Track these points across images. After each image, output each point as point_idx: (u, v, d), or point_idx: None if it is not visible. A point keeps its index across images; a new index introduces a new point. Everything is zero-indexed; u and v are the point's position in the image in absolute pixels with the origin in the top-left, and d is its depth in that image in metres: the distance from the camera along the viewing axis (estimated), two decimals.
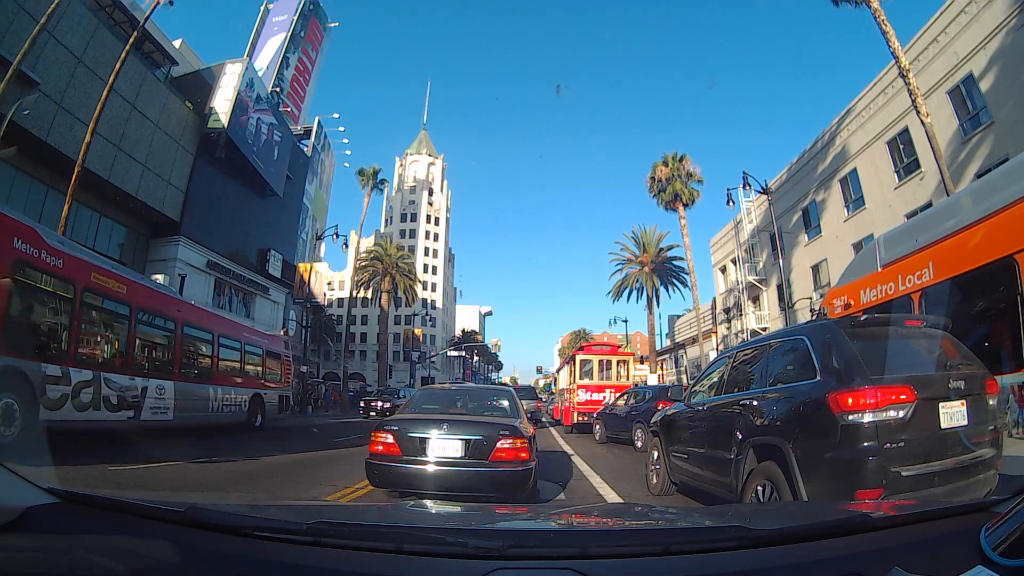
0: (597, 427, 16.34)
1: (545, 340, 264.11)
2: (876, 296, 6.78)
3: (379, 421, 6.39)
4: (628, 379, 19.79)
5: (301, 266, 33.41)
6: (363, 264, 43.44)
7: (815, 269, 26.28)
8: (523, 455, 5.64)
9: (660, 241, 38.96)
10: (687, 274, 38.02)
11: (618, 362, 19.83)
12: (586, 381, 19.04)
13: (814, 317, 8.00)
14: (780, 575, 1.34)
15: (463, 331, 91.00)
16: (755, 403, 4.85)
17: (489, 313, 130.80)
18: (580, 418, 18.42)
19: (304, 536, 1.42)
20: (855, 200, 24.05)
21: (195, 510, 1.56)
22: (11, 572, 1.28)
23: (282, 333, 23.29)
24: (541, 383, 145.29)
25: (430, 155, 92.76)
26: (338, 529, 1.50)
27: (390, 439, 5.76)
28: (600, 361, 19.52)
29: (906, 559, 1.23)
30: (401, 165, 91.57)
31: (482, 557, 1.34)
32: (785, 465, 4.07)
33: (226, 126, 31.13)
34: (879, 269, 7.04)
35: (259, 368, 18.17)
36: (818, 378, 4.14)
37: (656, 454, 7.13)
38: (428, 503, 4.12)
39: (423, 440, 5.64)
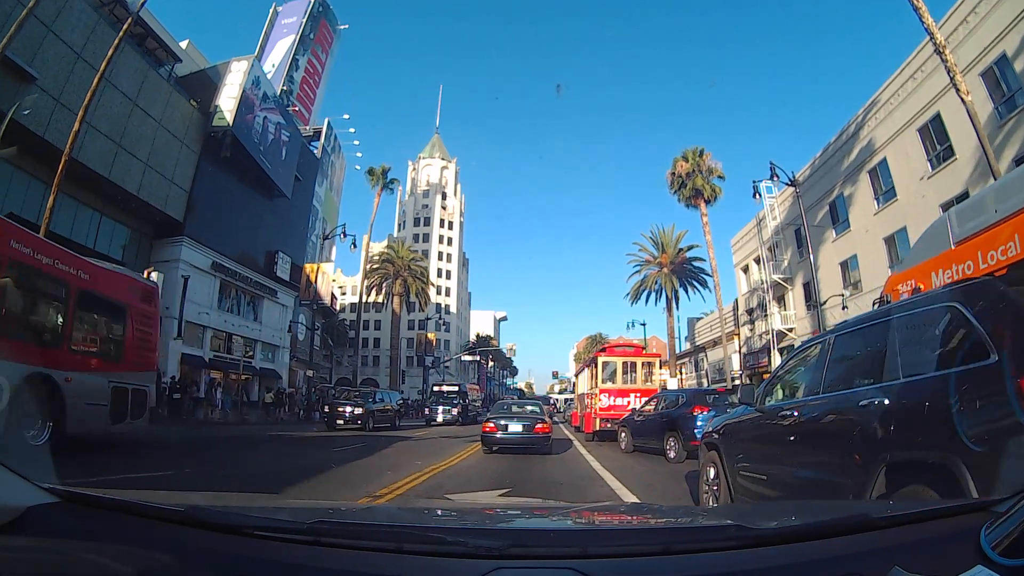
0: (623, 435, 15.04)
1: (560, 345, 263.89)
2: (951, 276, 5.63)
3: (486, 416, 14.25)
4: (654, 382, 18.57)
5: (308, 267, 32.57)
6: (374, 267, 42.61)
7: (844, 266, 24.91)
8: (547, 430, 12.46)
9: (679, 241, 37.73)
10: (708, 275, 36.73)
11: (643, 364, 18.41)
12: (609, 385, 17.76)
13: (875, 306, 6.65)
14: (780, 574, 1.33)
15: (477, 335, 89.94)
16: (885, 402, 3.42)
17: (504, 318, 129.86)
18: (603, 425, 17.16)
19: (304, 536, 1.41)
20: (885, 192, 22.74)
21: (196, 510, 1.58)
22: (11, 572, 1.26)
23: (146, 274, 13.61)
24: (557, 388, 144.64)
25: (443, 159, 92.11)
26: (338, 529, 1.50)
27: (492, 425, 12.36)
28: (624, 363, 18.14)
29: (906, 559, 1.23)
30: (414, 169, 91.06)
31: (482, 557, 1.32)
32: (953, 490, 2.77)
33: (231, 124, 30.64)
34: (952, 247, 5.90)
35: (55, 323, 9.43)
36: (992, 358, 2.80)
37: (713, 472, 5.82)
38: (430, 503, 4.77)
39: (506, 425, 12.28)
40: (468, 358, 74.16)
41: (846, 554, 1.38)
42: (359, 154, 48.44)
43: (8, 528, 1.37)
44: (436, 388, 37.77)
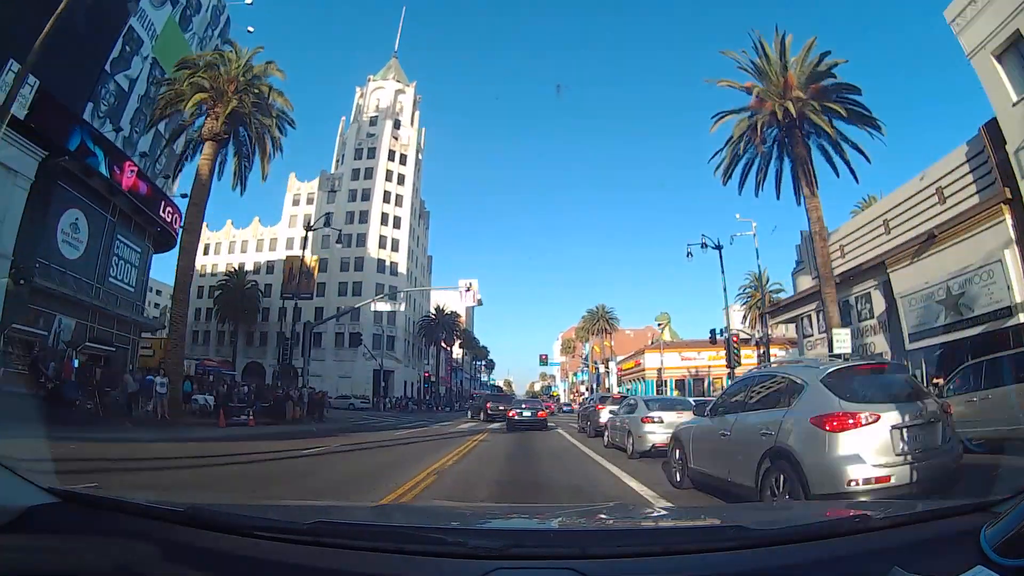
0: None
1: (541, 340, 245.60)
2: None
3: (511, 406, 26.61)
4: None
5: None
6: (168, 78, 22.83)
7: None
8: (544, 416, 24.65)
9: (811, 48, 18.66)
10: (867, 113, 18.42)
11: None
12: None
13: None
14: (780, 575, 1.32)
15: (438, 308, 69.24)
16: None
17: (479, 302, 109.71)
18: None
19: (304, 536, 1.40)
20: None
21: (196, 510, 1.56)
22: (11, 572, 1.26)
23: None
24: (538, 387, 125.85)
25: (399, 81, 71.39)
26: (338, 529, 1.50)
27: (514, 412, 24.08)
28: None
29: (906, 559, 1.22)
30: (361, 95, 70.46)
31: (482, 557, 1.32)
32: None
33: None
34: None
35: None
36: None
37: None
38: (431, 503, 5.76)
39: (520, 412, 24.13)
40: (387, 307, 50.25)
41: (846, 554, 1.37)
42: (250, 29, 31.10)
43: (9, 528, 1.36)
44: None
